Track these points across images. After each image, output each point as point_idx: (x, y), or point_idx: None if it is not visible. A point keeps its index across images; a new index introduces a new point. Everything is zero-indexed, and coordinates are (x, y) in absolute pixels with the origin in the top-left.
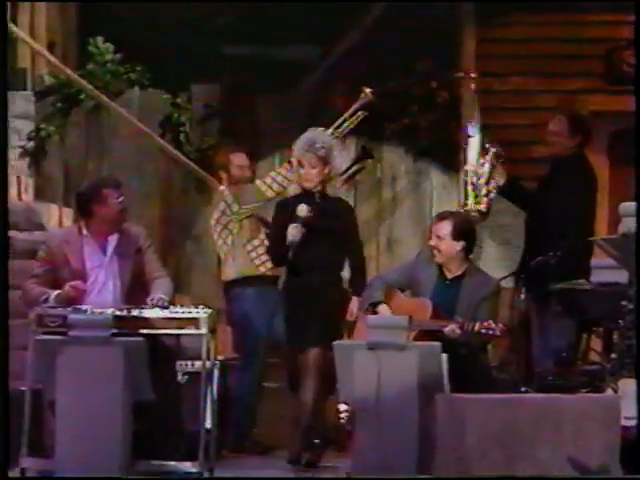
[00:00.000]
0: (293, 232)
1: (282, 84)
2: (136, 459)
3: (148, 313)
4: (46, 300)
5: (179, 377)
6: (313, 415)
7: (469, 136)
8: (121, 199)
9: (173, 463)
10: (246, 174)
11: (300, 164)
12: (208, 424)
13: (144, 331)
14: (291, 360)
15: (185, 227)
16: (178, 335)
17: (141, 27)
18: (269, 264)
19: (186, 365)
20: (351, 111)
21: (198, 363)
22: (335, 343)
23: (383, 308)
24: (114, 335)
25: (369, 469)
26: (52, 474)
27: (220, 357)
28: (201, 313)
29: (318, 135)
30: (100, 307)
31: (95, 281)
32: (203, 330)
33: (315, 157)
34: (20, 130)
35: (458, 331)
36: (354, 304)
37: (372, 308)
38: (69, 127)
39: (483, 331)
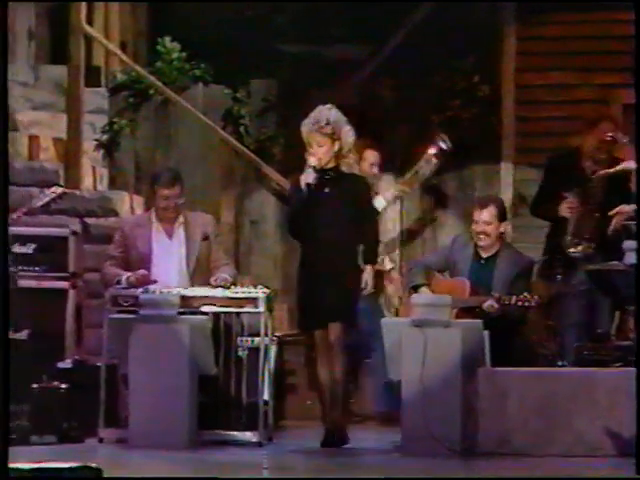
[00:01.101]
0: (307, 175)
1: (334, 81)
2: (201, 429)
3: (212, 293)
4: (119, 282)
5: (239, 352)
6: (343, 392)
7: None
8: (172, 194)
9: (235, 433)
10: (375, 171)
11: (309, 144)
12: (266, 396)
13: (208, 309)
14: (309, 336)
15: (244, 213)
16: (239, 313)
17: (205, 27)
18: None
19: (246, 341)
20: (427, 157)
21: (257, 339)
22: (383, 321)
23: (424, 290)
24: (180, 314)
25: (417, 441)
26: (126, 443)
27: (277, 334)
28: (260, 293)
29: (323, 112)
30: (167, 288)
31: (161, 264)
32: (262, 309)
33: (321, 135)
34: (94, 124)
35: (496, 305)
36: (368, 274)
37: (414, 291)
38: (139, 121)
39: (519, 304)
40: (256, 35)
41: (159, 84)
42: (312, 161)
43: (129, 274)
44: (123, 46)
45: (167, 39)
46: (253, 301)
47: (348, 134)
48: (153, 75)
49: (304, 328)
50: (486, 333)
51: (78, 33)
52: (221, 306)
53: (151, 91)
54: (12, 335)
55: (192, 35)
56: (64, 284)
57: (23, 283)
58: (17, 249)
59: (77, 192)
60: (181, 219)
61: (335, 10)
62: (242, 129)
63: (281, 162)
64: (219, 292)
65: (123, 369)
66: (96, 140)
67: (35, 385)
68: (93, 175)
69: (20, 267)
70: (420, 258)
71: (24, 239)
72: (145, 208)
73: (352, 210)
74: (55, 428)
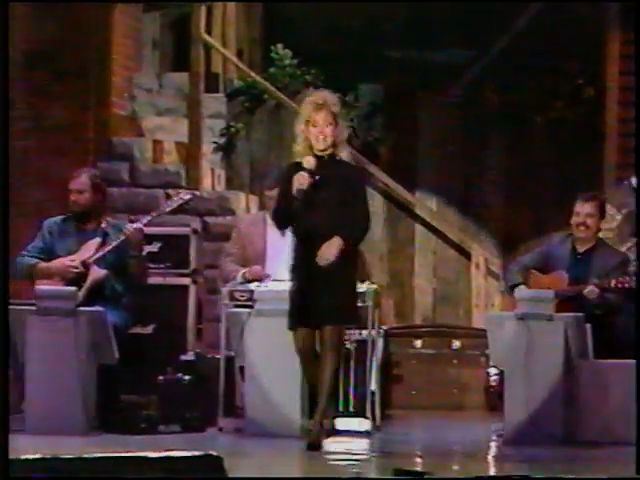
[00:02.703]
0: (300, 180)
1: (439, 84)
2: (311, 417)
3: None
4: (235, 277)
5: (348, 345)
6: (330, 395)
7: None
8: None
9: (344, 420)
10: None
11: (313, 124)
12: (373, 386)
13: None
14: (301, 334)
15: None
16: None
17: (315, 35)
18: None
19: (354, 334)
20: None
21: (364, 332)
22: (486, 315)
23: (524, 289)
24: None
25: (519, 431)
26: (243, 432)
27: (383, 327)
28: (367, 288)
29: (328, 93)
30: (280, 283)
31: (275, 260)
32: (369, 303)
33: (329, 114)
34: (213, 128)
35: (596, 290)
36: (333, 243)
37: (512, 290)
38: (254, 124)
39: (619, 286)
40: (364, 41)
41: (273, 89)
42: (319, 142)
43: (245, 270)
44: (239, 54)
45: (280, 46)
46: (361, 296)
47: (344, 124)
48: (267, 81)
49: (294, 326)
50: (588, 326)
51: (198, 42)
52: None
53: (265, 96)
54: (139, 329)
55: (303, 42)
56: (186, 280)
57: (150, 280)
58: (144, 248)
59: (197, 192)
60: None
61: (441, 15)
62: (350, 131)
63: (387, 163)
64: None
65: (240, 361)
66: (215, 143)
67: (161, 377)
68: (212, 176)
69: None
70: (518, 258)
71: (150, 238)
72: (260, 207)
73: (345, 201)
74: (179, 418)
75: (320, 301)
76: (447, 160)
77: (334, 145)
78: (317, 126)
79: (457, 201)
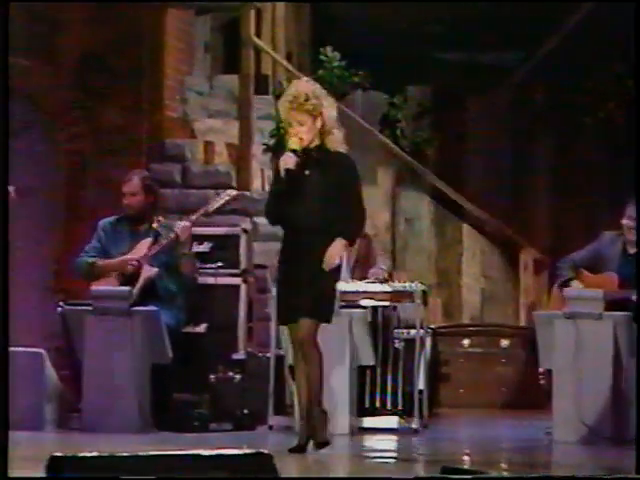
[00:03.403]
0: (286, 160)
1: (487, 86)
2: (360, 416)
3: (370, 288)
4: None
5: (396, 344)
6: (318, 394)
7: None
8: None
9: (392, 418)
10: None
11: (288, 123)
12: (421, 385)
13: (366, 303)
14: (293, 328)
15: (400, 211)
16: (395, 307)
17: (363, 37)
18: None
19: (402, 333)
20: None
21: (413, 331)
22: (535, 313)
23: (576, 283)
24: (341, 307)
25: (567, 429)
26: (293, 430)
27: (432, 326)
28: (415, 287)
29: (301, 86)
30: None
31: None
32: (417, 302)
33: (301, 112)
34: (263, 129)
35: None
36: (335, 247)
37: (564, 286)
38: None
39: None
40: (413, 43)
41: None
42: (293, 143)
43: None
44: (288, 56)
45: (328, 49)
46: (409, 295)
47: (330, 108)
48: (316, 82)
49: (280, 321)
50: (634, 325)
51: (248, 45)
52: (379, 300)
53: None
54: (192, 329)
55: (352, 44)
56: (237, 280)
57: (201, 280)
58: (195, 248)
59: (247, 193)
60: None
61: (490, 17)
62: (398, 132)
63: (435, 163)
64: (377, 287)
65: (289, 360)
66: (264, 144)
67: (212, 376)
68: (262, 177)
69: (199, 265)
70: (568, 255)
71: (202, 238)
72: None
73: (336, 193)
74: (230, 416)
75: (301, 295)
76: (495, 160)
77: (322, 135)
78: (291, 127)
79: (505, 201)
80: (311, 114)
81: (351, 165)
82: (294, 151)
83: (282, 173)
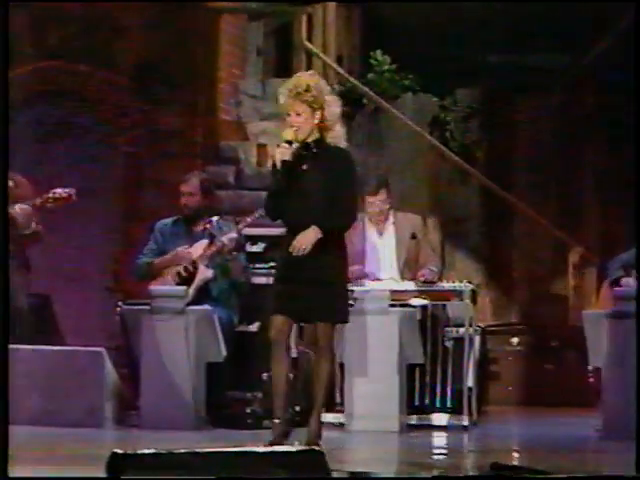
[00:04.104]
0: (281, 151)
1: (536, 88)
2: (409, 413)
3: (420, 287)
4: None
5: (446, 342)
6: (326, 397)
7: None
8: (378, 200)
9: (442, 416)
10: None
11: (286, 112)
12: (470, 383)
13: (416, 302)
14: (279, 322)
15: (450, 212)
16: (444, 306)
17: (413, 41)
18: None
19: (452, 331)
20: None
21: (462, 330)
22: (584, 312)
23: (627, 280)
24: (391, 306)
25: (617, 427)
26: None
27: (481, 324)
28: (464, 287)
29: (303, 78)
30: (379, 283)
31: (374, 260)
32: (466, 301)
33: (300, 102)
34: None
35: None
36: (306, 235)
37: (615, 285)
38: (354, 128)
39: None
40: (462, 46)
41: (371, 94)
42: (287, 133)
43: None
44: (339, 60)
45: (378, 52)
46: (458, 294)
47: (332, 104)
48: (366, 86)
49: (275, 313)
50: None
51: (300, 49)
52: (428, 300)
53: (364, 100)
54: (245, 328)
55: (401, 48)
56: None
57: (254, 280)
58: (249, 248)
59: None
60: (391, 219)
61: (539, 19)
62: (448, 134)
63: (484, 164)
64: (427, 286)
65: (339, 358)
66: None
67: (265, 374)
68: None
69: (252, 265)
70: (617, 255)
71: (255, 239)
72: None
73: (333, 188)
74: None
75: (310, 296)
76: (544, 161)
77: (321, 130)
78: (289, 115)
79: (554, 201)
80: (310, 105)
81: (348, 160)
82: (289, 142)
83: (278, 165)
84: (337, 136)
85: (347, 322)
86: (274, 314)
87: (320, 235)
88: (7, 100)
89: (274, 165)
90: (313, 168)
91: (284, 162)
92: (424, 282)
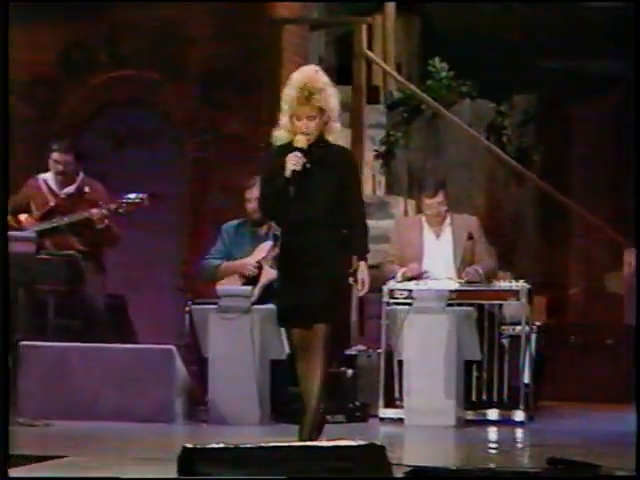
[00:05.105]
0: (293, 161)
1: (593, 94)
2: (466, 409)
3: (477, 286)
4: (394, 277)
5: (502, 340)
6: (318, 400)
7: None
8: (434, 203)
9: (499, 412)
10: None
11: (297, 117)
12: (526, 379)
13: (473, 301)
14: (297, 332)
15: (506, 214)
16: (501, 305)
17: (471, 48)
18: None
19: (508, 329)
20: None
21: (518, 328)
22: (637, 311)
23: None
24: (449, 305)
25: None
26: (403, 422)
27: (537, 323)
28: (520, 286)
29: (312, 77)
30: (437, 282)
31: (431, 261)
32: (523, 300)
33: (311, 107)
34: (373, 137)
35: None
36: (362, 271)
37: None
38: (412, 133)
39: None
40: (519, 53)
41: (430, 100)
42: (300, 141)
43: (404, 269)
44: (398, 67)
45: (437, 59)
46: (515, 293)
47: (333, 98)
48: (424, 92)
49: (283, 324)
50: None
51: (360, 57)
52: (485, 299)
53: (423, 106)
54: None
55: (459, 55)
56: (349, 280)
57: None
58: None
59: None
60: (448, 221)
61: (594, 26)
62: (504, 139)
63: (540, 168)
64: (483, 286)
65: (398, 355)
66: (375, 151)
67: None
68: (373, 182)
69: None
70: None
71: None
72: (417, 211)
73: (337, 186)
74: (343, 409)
75: (312, 299)
76: (600, 165)
77: (323, 129)
78: (299, 120)
79: (610, 203)
80: (320, 109)
81: (351, 159)
82: (301, 149)
83: (288, 173)
84: (334, 131)
85: (348, 325)
86: (284, 326)
87: (366, 266)
88: (7, 100)
89: (281, 169)
90: (316, 167)
91: (294, 172)
92: (467, 282)
